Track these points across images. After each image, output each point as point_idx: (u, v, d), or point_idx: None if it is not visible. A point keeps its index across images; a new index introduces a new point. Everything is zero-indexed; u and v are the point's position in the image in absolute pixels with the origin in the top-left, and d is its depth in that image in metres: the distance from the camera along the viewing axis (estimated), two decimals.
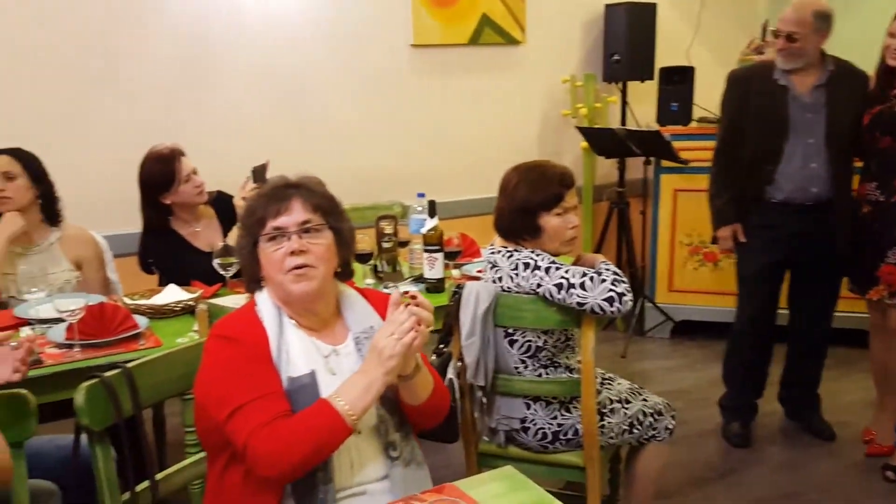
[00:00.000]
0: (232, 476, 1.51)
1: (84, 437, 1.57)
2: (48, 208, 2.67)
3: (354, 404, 1.43)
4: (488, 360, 2.11)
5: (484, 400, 2.18)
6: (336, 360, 1.58)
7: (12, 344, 1.56)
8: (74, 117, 3.38)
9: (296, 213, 1.55)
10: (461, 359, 2.15)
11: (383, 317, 1.64)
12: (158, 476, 1.63)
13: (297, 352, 1.54)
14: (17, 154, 2.60)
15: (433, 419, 1.65)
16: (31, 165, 2.61)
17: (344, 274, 1.67)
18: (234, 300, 2.32)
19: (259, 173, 2.76)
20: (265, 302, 1.59)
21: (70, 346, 2.12)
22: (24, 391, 1.53)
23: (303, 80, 3.84)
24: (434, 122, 4.20)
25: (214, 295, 2.51)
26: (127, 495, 1.58)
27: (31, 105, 3.29)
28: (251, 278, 1.62)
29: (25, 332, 2.22)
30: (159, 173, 2.77)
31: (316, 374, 1.51)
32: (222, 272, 2.50)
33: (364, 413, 1.45)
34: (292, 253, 1.52)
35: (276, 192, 1.58)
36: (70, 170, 2.84)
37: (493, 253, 2.20)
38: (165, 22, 3.52)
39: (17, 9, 3.24)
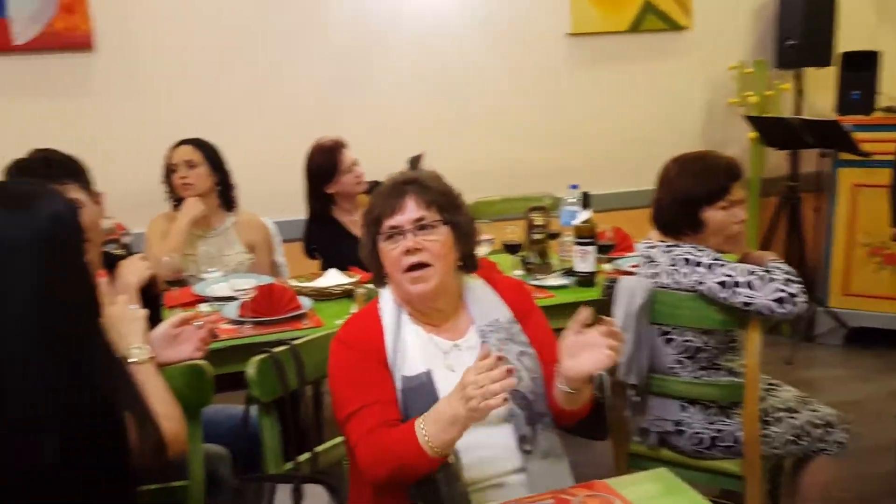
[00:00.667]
0: None
1: (253, 408, 1.68)
2: (225, 195, 2.88)
3: (436, 437, 1.37)
4: (642, 359, 2.04)
5: (636, 399, 2.11)
6: (457, 354, 1.57)
7: (197, 324, 1.69)
8: (249, 112, 3.60)
9: (409, 211, 1.54)
10: None
11: (511, 306, 1.63)
12: (318, 448, 1.72)
13: (413, 351, 1.55)
14: (199, 144, 2.82)
15: (576, 418, 1.61)
16: (211, 155, 2.83)
17: (467, 266, 1.65)
18: None
19: (415, 164, 2.83)
20: (387, 301, 1.62)
21: (241, 323, 2.27)
22: (202, 363, 1.64)
23: (459, 71, 3.88)
24: (591, 112, 4.10)
25: (371, 280, 2.60)
26: (289, 464, 1.67)
27: (211, 102, 3.54)
28: (376, 276, 1.65)
29: (204, 308, 2.41)
30: (323, 164, 2.91)
31: (432, 373, 1.51)
32: None
33: (448, 447, 1.38)
34: (408, 251, 1.52)
35: (391, 191, 1.58)
36: (245, 160, 3.04)
37: (649, 247, 2.12)
38: (328, 20, 3.67)
39: (196, 15, 3.50)
